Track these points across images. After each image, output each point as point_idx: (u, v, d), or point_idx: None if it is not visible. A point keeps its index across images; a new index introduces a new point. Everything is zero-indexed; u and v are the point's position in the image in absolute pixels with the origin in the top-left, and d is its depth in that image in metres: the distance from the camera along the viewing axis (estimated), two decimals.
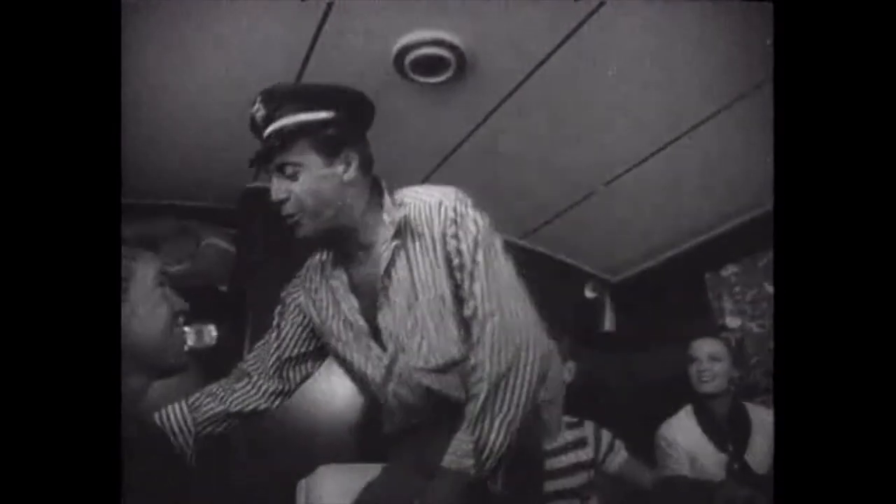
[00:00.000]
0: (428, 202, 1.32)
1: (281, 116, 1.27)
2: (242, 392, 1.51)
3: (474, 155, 2.37)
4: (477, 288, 1.27)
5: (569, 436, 2.07)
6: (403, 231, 1.31)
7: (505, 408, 1.22)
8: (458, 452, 1.22)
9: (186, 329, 2.58)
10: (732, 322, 2.63)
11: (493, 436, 1.20)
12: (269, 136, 1.27)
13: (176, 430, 1.44)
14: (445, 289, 1.30)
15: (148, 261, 1.09)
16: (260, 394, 1.51)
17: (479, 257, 1.28)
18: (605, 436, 2.10)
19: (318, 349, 1.50)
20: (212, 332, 2.56)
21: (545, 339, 1.28)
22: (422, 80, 1.97)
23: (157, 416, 1.46)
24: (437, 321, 1.30)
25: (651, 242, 2.99)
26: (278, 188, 1.28)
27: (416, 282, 1.31)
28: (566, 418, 2.09)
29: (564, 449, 2.05)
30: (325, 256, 1.44)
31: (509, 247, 1.33)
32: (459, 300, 1.29)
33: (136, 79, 1.88)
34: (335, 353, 1.44)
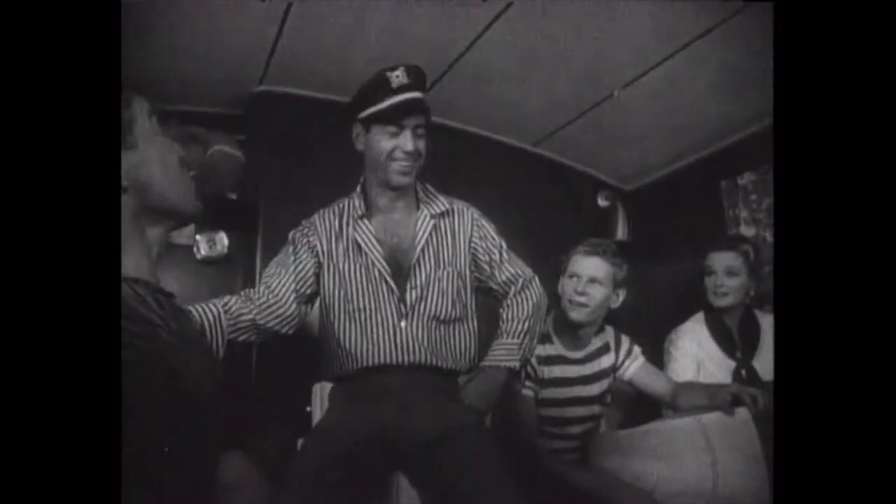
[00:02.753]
0: (461, 208, 1.78)
1: (422, 90, 1.64)
2: (270, 310, 1.66)
3: (486, 57, 2.29)
4: (508, 267, 1.78)
5: (596, 342, 2.09)
6: (441, 217, 1.74)
7: (536, 328, 1.79)
8: (504, 351, 1.72)
9: (198, 237, 2.60)
10: (746, 231, 2.60)
11: (527, 340, 1.75)
12: (413, 100, 1.61)
13: (211, 323, 1.54)
14: (464, 268, 1.74)
15: (143, 104, 1.04)
16: (284, 316, 1.68)
17: (503, 247, 1.79)
18: (625, 341, 2.12)
19: (318, 291, 1.74)
20: (223, 239, 2.57)
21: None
22: None
23: (192, 310, 1.50)
24: (452, 287, 1.69)
25: (666, 151, 2.94)
26: (414, 143, 1.63)
27: (442, 255, 1.71)
28: None
29: (592, 356, 2.08)
30: (344, 208, 1.74)
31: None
32: (471, 277, 1.75)
33: None
34: (329, 290, 1.70)
